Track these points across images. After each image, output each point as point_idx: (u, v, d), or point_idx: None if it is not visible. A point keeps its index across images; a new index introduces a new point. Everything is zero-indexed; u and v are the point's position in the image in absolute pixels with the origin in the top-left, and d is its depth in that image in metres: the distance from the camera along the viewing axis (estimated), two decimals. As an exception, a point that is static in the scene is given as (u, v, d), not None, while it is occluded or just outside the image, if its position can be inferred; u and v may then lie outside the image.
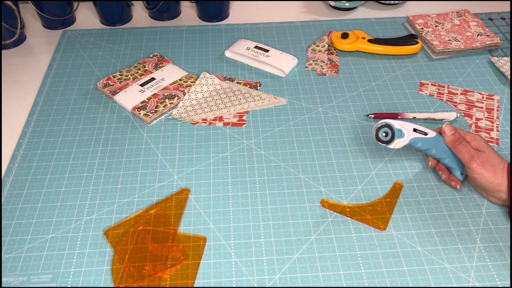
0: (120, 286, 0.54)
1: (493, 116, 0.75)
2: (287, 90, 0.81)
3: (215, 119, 0.75)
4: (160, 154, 0.70)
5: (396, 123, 0.61)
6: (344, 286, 0.54)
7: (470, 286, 0.54)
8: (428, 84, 0.82)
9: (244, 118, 0.75)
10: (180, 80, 0.80)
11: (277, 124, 0.74)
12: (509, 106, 0.77)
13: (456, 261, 0.56)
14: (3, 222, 0.60)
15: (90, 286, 0.54)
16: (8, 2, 0.85)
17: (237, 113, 0.76)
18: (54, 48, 0.90)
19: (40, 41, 0.93)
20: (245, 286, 0.54)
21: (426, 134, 0.62)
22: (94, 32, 0.94)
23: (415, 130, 0.61)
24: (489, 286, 0.54)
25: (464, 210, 0.62)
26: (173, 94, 0.77)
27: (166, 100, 0.76)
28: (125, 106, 0.76)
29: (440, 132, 0.63)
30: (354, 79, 0.83)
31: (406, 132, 0.61)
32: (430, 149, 0.62)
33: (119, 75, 0.81)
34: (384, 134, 0.61)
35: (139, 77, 0.81)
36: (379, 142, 0.62)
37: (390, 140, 0.61)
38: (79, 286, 0.54)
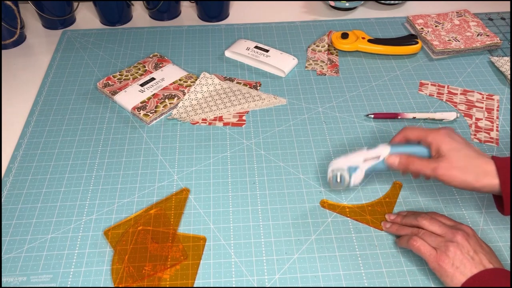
0: (120, 286, 0.54)
1: (493, 116, 0.75)
2: (287, 90, 0.81)
3: (215, 119, 0.75)
4: (160, 154, 0.70)
5: (343, 163, 0.59)
6: (344, 286, 0.54)
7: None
8: (428, 84, 0.82)
9: (244, 118, 0.75)
10: (180, 80, 0.80)
11: (277, 124, 0.74)
12: (509, 106, 0.77)
13: (456, 261, 0.56)
14: (3, 222, 0.61)
15: (90, 286, 0.54)
16: (8, 2, 0.85)
17: (237, 113, 0.76)
18: (54, 48, 0.90)
19: (40, 41, 0.93)
20: (245, 286, 0.54)
21: (378, 157, 0.58)
22: (94, 32, 0.94)
23: (366, 159, 0.59)
24: (489, 286, 0.54)
25: (464, 210, 0.62)
26: (173, 94, 0.77)
27: (166, 100, 0.76)
28: (125, 106, 0.76)
29: (402, 139, 0.60)
30: (354, 79, 0.83)
31: (358, 165, 0.58)
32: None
33: (119, 75, 0.81)
34: (338, 180, 0.59)
35: (139, 77, 0.81)
36: (338, 189, 0.62)
37: (348, 182, 0.59)
38: (79, 286, 0.54)
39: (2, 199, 0.63)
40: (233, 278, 0.55)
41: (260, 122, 0.75)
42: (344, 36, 0.87)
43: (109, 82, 0.80)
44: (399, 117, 0.75)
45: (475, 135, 0.72)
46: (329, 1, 0.98)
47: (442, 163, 0.53)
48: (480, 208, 0.62)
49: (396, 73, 0.84)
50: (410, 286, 0.54)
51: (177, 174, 0.67)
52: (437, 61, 0.87)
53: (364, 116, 0.76)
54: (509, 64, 0.83)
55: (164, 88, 0.78)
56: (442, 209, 0.62)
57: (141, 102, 0.76)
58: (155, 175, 0.66)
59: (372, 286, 0.54)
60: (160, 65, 0.84)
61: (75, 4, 0.98)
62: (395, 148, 0.58)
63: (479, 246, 0.52)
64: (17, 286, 0.54)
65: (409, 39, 0.87)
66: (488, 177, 0.52)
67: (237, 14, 1.00)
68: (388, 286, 0.54)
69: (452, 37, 0.89)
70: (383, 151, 0.58)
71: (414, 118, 0.75)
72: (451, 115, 0.74)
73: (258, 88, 0.81)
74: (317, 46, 0.90)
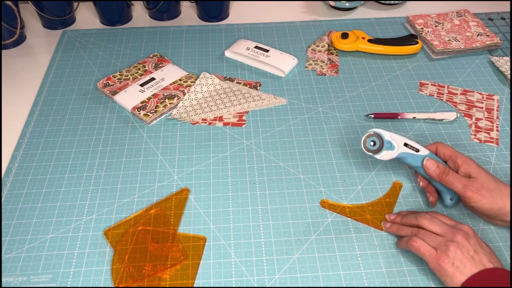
0: (120, 286, 0.54)
1: (493, 116, 0.75)
2: (287, 90, 0.81)
3: (215, 119, 0.75)
4: (160, 154, 0.70)
5: (387, 134, 0.60)
6: (344, 286, 0.54)
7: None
8: (428, 84, 0.82)
9: (244, 118, 0.75)
10: (180, 80, 0.80)
11: (277, 124, 0.74)
12: (509, 106, 0.77)
13: (456, 261, 0.56)
14: (3, 222, 0.61)
15: (90, 286, 0.54)
16: (8, 2, 0.85)
17: (237, 113, 0.76)
18: (54, 48, 0.90)
19: (40, 41, 0.93)
20: (245, 286, 0.54)
21: (417, 150, 0.60)
22: (94, 32, 0.94)
23: (406, 144, 0.60)
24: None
25: (464, 210, 0.62)
26: (173, 94, 0.77)
27: (166, 100, 0.76)
28: (125, 106, 0.76)
29: (433, 151, 0.61)
30: (354, 79, 0.83)
31: (396, 145, 0.59)
32: (419, 167, 0.60)
33: (119, 75, 0.81)
34: (372, 143, 0.60)
35: (139, 77, 0.81)
36: (365, 151, 0.60)
37: (378, 151, 0.60)
38: (79, 286, 0.54)
39: (2, 199, 0.63)
40: (233, 278, 0.55)
41: (260, 122, 0.75)
42: (344, 36, 0.87)
43: (109, 82, 0.80)
44: (399, 117, 0.75)
45: (475, 135, 0.72)
46: (329, 1, 0.98)
47: (474, 183, 0.56)
48: (480, 208, 0.62)
49: (396, 73, 0.84)
50: (410, 286, 0.54)
51: (177, 174, 0.67)
52: (437, 61, 0.87)
53: (364, 116, 0.76)
54: (509, 64, 0.83)
55: (164, 88, 0.78)
56: (442, 209, 0.62)
57: (141, 102, 0.76)
58: (155, 175, 0.66)
59: (372, 286, 0.54)
60: (160, 65, 0.84)
61: (75, 4, 0.98)
62: (431, 155, 0.60)
63: (479, 246, 0.52)
64: (17, 286, 0.54)
65: (409, 39, 0.87)
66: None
67: (237, 14, 1.00)
68: (388, 286, 0.54)
69: (452, 37, 0.89)
70: (423, 149, 0.60)
71: (414, 118, 0.75)
72: (451, 115, 0.74)
73: (258, 88, 0.81)
74: (317, 46, 0.90)
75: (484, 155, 0.69)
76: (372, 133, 0.60)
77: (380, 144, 0.59)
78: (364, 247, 0.58)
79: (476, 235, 0.54)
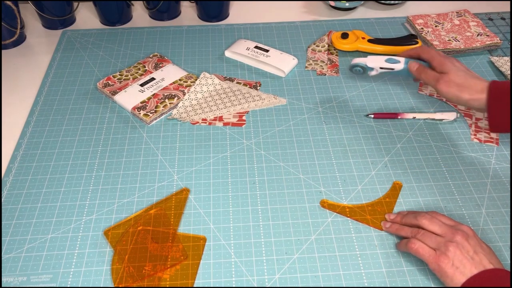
0: (120, 286, 0.54)
1: (493, 116, 0.75)
2: (287, 90, 0.81)
3: (215, 119, 0.75)
4: (160, 154, 0.70)
5: (368, 61, 0.73)
6: (344, 286, 0.54)
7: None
8: (428, 84, 0.82)
9: (244, 118, 0.75)
10: (180, 80, 0.80)
11: (277, 124, 0.74)
12: (509, 106, 0.77)
13: (456, 261, 0.56)
14: (3, 222, 0.61)
15: (90, 286, 0.54)
16: (8, 2, 0.85)
17: (237, 113, 0.76)
18: (54, 48, 0.90)
19: (40, 41, 0.93)
20: (245, 286, 0.54)
21: (392, 69, 0.72)
22: (94, 32, 0.94)
23: (382, 68, 0.73)
24: (489, 286, 0.54)
25: (464, 210, 0.62)
26: (173, 94, 0.77)
27: (166, 100, 0.76)
28: (125, 106, 0.76)
29: (415, 56, 0.71)
30: (354, 79, 0.83)
31: (375, 69, 0.74)
32: (404, 72, 0.72)
33: (119, 75, 0.81)
34: (361, 70, 0.75)
35: (139, 77, 0.81)
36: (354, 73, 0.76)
37: (364, 72, 0.76)
38: (79, 286, 0.54)
39: (2, 199, 0.63)
40: (233, 278, 0.55)
41: (260, 122, 0.75)
42: (344, 36, 0.87)
43: (109, 82, 0.80)
44: (399, 117, 0.75)
45: (475, 135, 0.72)
46: (329, 1, 0.98)
47: (445, 77, 0.64)
48: (480, 208, 0.62)
49: (396, 73, 0.84)
50: (410, 286, 0.54)
51: (177, 174, 0.67)
52: (437, 61, 0.87)
53: (364, 116, 0.76)
54: (509, 64, 0.83)
55: (164, 88, 0.78)
56: (442, 209, 0.62)
57: (141, 102, 0.76)
58: (155, 175, 0.66)
59: (372, 286, 0.54)
60: (160, 65, 0.84)
61: (75, 4, 0.98)
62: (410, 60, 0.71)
63: (479, 247, 0.52)
64: (17, 286, 0.54)
65: (409, 39, 0.87)
66: (479, 93, 0.61)
67: (237, 14, 1.00)
68: (388, 286, 0.54)
69: (452, 37, 0.89)
70: (399, 64, 0.72)
71: (414, 118, 0.75)
72: (451, 115, 0.74)
73: (258, 88, 0.81)
74: (317, 46, 0.90)
75: (484, 155, 0.69)
76: (355, 64, 0.75)
77: (363, 70, 0.75)
78: (364, 247, 0.58)
79: (476, 235, 0.54)
